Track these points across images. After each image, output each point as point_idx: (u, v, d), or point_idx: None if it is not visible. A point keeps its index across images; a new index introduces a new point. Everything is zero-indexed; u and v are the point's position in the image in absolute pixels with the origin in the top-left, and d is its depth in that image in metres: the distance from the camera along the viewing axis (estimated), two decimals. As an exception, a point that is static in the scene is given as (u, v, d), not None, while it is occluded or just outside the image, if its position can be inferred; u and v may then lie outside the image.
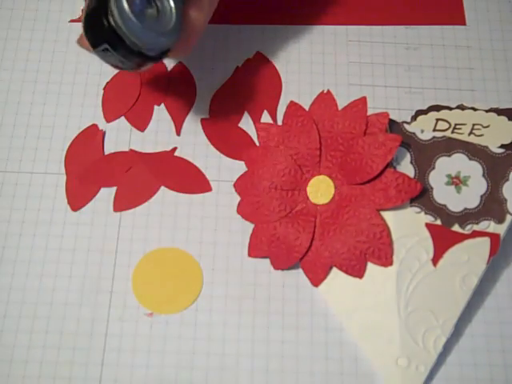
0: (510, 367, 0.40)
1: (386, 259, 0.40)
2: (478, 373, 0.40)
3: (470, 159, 0.42)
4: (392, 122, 0.43)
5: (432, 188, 0.42)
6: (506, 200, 0.41)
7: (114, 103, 0.47)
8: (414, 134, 0.43)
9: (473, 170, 0.42)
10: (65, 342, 0.40)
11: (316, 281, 0.42)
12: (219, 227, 0.44)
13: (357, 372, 0.40)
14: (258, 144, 0.46)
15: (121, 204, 0.44)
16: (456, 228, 0.41)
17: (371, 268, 0.41)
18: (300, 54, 0.49)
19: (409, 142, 0.43)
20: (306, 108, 0.44)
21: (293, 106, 0.44)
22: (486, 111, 0.46)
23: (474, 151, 0.42)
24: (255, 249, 0.43)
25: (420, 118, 0.46)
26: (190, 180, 0.45)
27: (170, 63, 0.49)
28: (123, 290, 0.42)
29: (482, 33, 0.50)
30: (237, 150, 0.46)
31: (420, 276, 0.40)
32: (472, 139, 0.43)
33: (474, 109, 0.46)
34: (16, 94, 0.48)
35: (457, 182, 0.42)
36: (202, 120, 0.47)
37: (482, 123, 0.44)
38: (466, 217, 0.41)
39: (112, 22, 0.35)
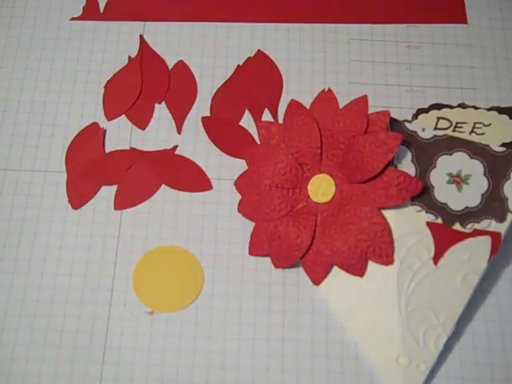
0: (511, 366, 0.40)
1: (386, 258, 0.40)
2: (478, 371, 0.40)
3: (471, 158, 0.42)
4: (393, 121, 0.43)
5: (433, 187, 0.42)
6: (507, 198, 0.41)
7: (115, 101, 0.47)
8: (415, 132, 0.43)
9: (474, 168, 0.42)
10: (65, 340, 0.40)
11: (317, 279, 0.41)
12: (220, 225, 0.44)
13: (357, 371, 0.40)
14: (258, 142, 0.46)
15: (121, 202, 0.44)
16: (457, 227, 0.41)
17: (372, 267, 0.41)
18: (301, 52, 0.49)
19: (410, 140, 0.43)
20: (307, 106, 0.44)
21: (294, 105, 0.44)
22: (488, 110, 0.46)
23: (475, 150, 0.42)
24: (256, 247, 0.43)
25: (421, 116, 0.46)
26: (191, 178, 0.45)
27: (170, 61, 0.49)
28: (124, 288, 0.42)
29: (483, 31, 0.50)
30: (238, 148, 0.46)
31: (421, 275, 0.40)
32: (473, 138, 0.43)
33: (476, 107, 0.46)
34: (17, 92, 0.48)
35: (458, 180, 0.42)
36: (203, 118, 0.47)
37: (483, 122, 0.44)
38: (467, 215, 0.41)
39: None
